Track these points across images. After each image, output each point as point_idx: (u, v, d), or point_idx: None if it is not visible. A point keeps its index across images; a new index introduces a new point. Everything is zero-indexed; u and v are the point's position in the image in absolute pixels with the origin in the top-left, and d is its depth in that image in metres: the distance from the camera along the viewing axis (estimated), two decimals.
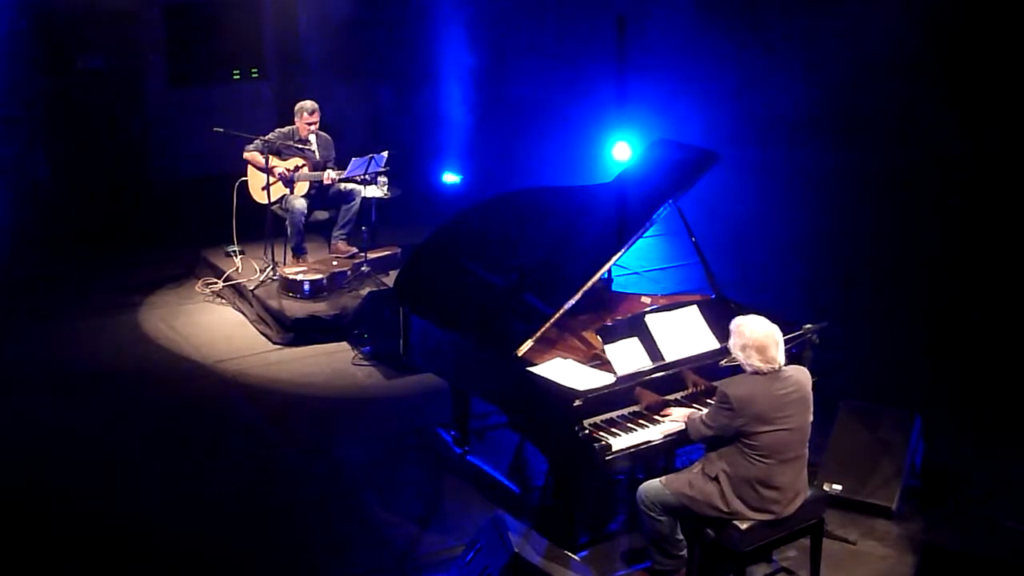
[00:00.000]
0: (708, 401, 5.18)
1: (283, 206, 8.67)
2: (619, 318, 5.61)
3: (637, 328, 5.40)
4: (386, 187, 8.79)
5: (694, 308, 5.62)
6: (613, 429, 5.12)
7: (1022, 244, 8.49)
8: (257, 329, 8.24)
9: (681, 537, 5.03)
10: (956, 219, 8.91)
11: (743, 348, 4.74)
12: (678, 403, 5.33)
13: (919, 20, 9.13)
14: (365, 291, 8.30)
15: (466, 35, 11.32)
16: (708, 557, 4.90)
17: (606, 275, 6.18)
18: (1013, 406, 6.79)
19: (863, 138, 9.74)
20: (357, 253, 8.76)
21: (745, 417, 4.65)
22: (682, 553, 5.03)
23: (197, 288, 8.94)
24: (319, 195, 8.78)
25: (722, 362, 5.08)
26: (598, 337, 5.36)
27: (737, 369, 4.87)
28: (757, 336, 4.72)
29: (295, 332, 8.00)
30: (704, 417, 4.81)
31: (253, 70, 11.01)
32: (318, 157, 8.74)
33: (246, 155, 8.64)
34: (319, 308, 8.16)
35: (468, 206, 6.74)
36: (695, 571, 4.93)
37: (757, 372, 4.72)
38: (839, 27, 9.85)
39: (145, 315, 8.49)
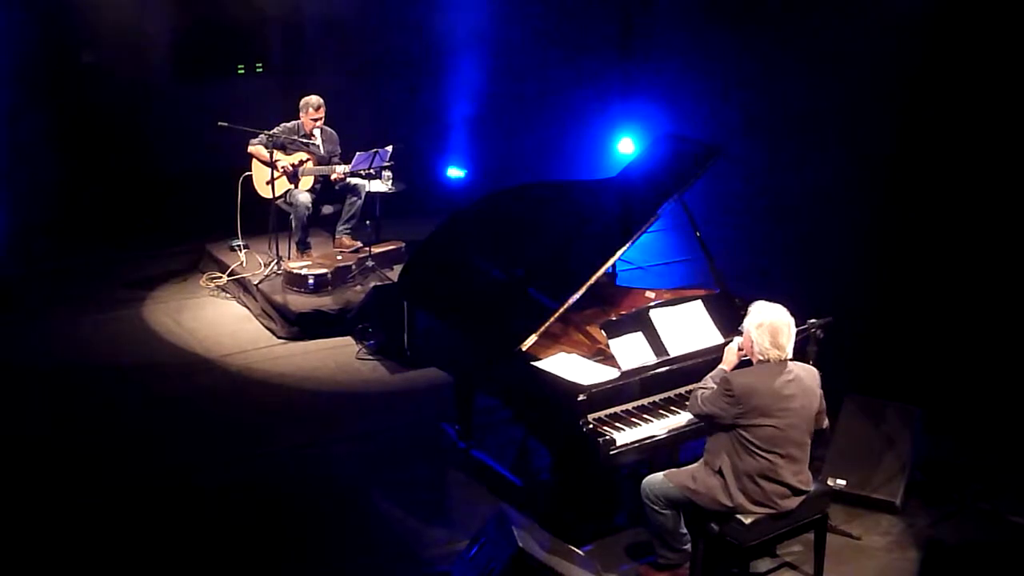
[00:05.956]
0: None
1: (287, 200, 8.67)
2: (623, 313, 5.62)
3: (641, 323, 5.40)
4: (391, 181, 8.79)
5: (698, 303, 5.61)
6: (617, 424, 5.12)
7: None
8: (261, 323, 8.25)
9: (685, 531, 5.03)
10: (959, 216, 8.89)
11: (758, 326, 4.75)
12: (682, 399, 5.34)
13: (923, 20, 9.12)
14: (369, 285, 8.30)
15: (471, 29, 11.31)
16: (712, 551, 4.90)
17: (611, 270, 6.18)
18: (1016, 400, 6.78)
19: (868, 134, 9.73)
20: (362, 247, 8.77)
21: (744, 407, 4.65)
22: (686, 547, 5.04)
23: (201, 282, 8.94)
24: (324, 189, 8.78)
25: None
26: (602, 332, 5.36)
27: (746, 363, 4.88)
28: (774, 319, 4.74)
29: (299, 326, 8.01)
30: (706, 395, 4.82)
31: (258, 65, 11.01)
32: (323, 152, 8.74)
33: (250, 149, 8.64)
34: (323, 302, 8.16)
35: (472, 201, 6.74)
36: (699, 565, 4.93)
37: (764, 360, 4.73)
38: (843, 23, 9.84)
39: (149, 310, 8.49)
